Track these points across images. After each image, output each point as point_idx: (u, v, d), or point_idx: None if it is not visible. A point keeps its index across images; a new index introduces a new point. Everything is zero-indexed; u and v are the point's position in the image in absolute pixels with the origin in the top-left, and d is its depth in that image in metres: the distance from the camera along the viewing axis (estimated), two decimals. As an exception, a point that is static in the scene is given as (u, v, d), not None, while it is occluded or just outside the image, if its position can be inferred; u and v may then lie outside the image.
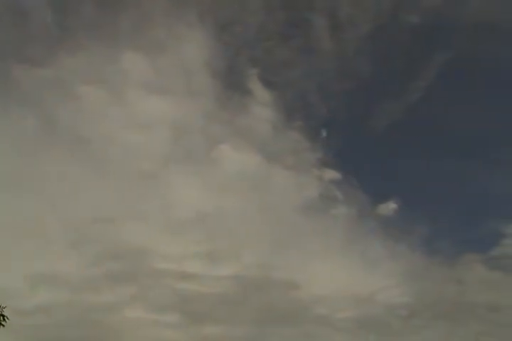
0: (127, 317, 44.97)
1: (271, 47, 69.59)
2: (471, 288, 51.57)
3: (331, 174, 63.91)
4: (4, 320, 14.77)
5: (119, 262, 49.59)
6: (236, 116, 66.78)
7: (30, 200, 50.85)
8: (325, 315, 50.09)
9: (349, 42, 69.58)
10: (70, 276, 45.27)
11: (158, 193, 58.39)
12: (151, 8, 67.68)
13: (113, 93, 63.34)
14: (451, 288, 52.32)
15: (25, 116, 57.46)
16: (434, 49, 70.12)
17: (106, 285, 47.47)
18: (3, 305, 14.92)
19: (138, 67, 64.01)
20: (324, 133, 66.28)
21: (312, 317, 49.92)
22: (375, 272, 53.67)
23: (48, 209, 51.37)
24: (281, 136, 66.86)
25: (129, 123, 62.96)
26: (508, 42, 65.59)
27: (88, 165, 57.06)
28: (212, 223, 56.75)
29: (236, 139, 65.16)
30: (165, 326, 46.24)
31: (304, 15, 69.56)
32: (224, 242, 54.85)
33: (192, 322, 47.64)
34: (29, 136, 57.53)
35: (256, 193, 62.23)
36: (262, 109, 66.36)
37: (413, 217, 59.86)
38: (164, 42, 66.46)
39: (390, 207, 62.26)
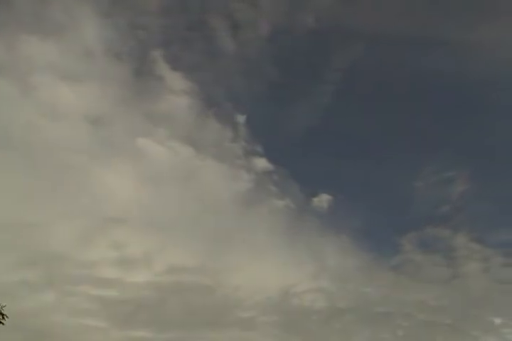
0: (53, 322, 43.82)
1: (174, 51, 67.80)
2: (383, 293, 55.15)
3: (261, 163, 63.13)
4: (4, 318, 14.67)
5: (36, 268, 47.95)
6: (153, 104, 64.67)
7: None
8: (248, 319, 51.50)
9: (251, 44, 68.77)
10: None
11: (77, 192, 56.08)
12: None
13: (19, 82, 58.48)
14: (367, 290, 55.50)
15: None
16: (334, 51, 70.36)
17: (24, 291, 46.01)
18: (2, 304, 14.81)
19: (39, 52, 59.53)
20: (242, 120, 65.08)
21: (236, 321, 51.13)
22: (300, 272, 54.51)
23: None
24: (203, 125, 65.44)
25: (42, 114, 59.00)
26: (407, 43, 68.29)
27: (1, 162, 53.72)
28: (133, 224, 55.12)
29: (159, 130, 63.22)
30: (93, 330, 45.87)
31: (201, 18, 68.18)
32: (142, 245, 53.48)
33: (117, 327, 47.44)
34: None
35: (185, 187, 61.04)
36: (178, 97, 64.45)
37: (344, 215, 60.96)
38: (63, 24, 61.50)
39: (323, 198, 62.22)
